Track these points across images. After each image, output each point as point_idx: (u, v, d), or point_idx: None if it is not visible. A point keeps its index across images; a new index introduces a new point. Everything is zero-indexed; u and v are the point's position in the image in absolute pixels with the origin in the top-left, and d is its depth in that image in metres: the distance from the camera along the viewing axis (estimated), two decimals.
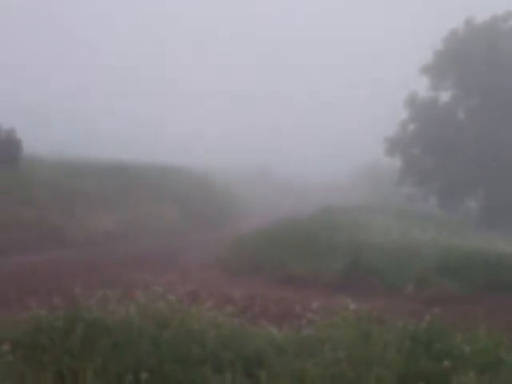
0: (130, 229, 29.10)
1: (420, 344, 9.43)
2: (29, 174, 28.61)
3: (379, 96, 63.47)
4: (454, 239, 23.01)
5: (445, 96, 38.98)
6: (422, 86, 38.38)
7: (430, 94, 38.57)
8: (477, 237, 24.61)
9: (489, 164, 36.00)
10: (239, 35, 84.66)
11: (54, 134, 53.98)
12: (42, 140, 38.23)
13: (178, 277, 18.27)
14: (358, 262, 20.06)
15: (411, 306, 14.62)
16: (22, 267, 19.35)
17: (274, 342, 9.67)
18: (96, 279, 16.19)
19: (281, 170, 62.25)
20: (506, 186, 36.26)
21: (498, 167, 35.98)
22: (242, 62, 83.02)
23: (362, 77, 75.52)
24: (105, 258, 21.88)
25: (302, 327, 10.16)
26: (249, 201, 43.90)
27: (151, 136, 64.99)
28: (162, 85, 78.06)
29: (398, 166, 39.33)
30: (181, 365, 8.83)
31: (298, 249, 21.51)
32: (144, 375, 8.13)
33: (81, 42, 79.86)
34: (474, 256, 20.28)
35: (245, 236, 24.27)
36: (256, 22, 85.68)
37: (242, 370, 8.87)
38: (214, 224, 35.25)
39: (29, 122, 37.46)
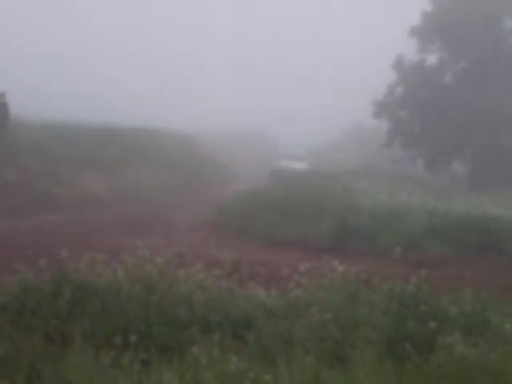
0: (119, 193, 29.05)
1: (407, 306, 9.47)
2: (15, 137, 28.42)
3: (368, 59, 63.23)
4: (442, 202, 23.05)
5: (432, 59, 38.91)
6: (411, 49, 38.25)
7: (418, 57, 38.48)
8: (464, 200, 24.65)
9: (476, 127, 36.04)
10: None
11: (40, 97, 53.66)
12: (28, 103, 37.95)
13: (165, 240, 18.27)
14: (346, 225, 20.08)
15: (399, 269, 14.65)
16: (8, 231, 19.29)
17: (261, 305, 9.70)
18: (83, 243, 16.17)
19: (270, 134, 62.16)
20: (493, 148, 36.35)
21: (484, 130, 36.04)
22: (243, 24, 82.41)
23: (350, 39, 75.18)
24: (92, 222, 21.84)
25: (290, 290, 10.18)
26: (238, 165, 43.86)
27: (139, 100, 64.67)
28: (147, 48, 77.57)
29: (386, 129, 39.31)
30: (169, 327, 8.85)
31: (287, 213, 21.53)
32: (132, 338, 8.15)
33: (69, 6, 79.16)
34: (462, 219, 20.33)
35: (233, 200, 24.28)
36: None
37: (230, 332, 8.90)
38: (203, 188, 35.23)
39: (15, 85, 37.11)
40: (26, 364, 7.57)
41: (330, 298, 9.81)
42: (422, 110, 37.60)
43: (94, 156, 30.33)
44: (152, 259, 10.47)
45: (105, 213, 24.32)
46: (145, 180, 31.80)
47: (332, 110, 62.78)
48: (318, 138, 56.83)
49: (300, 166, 38.47)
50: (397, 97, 38.88)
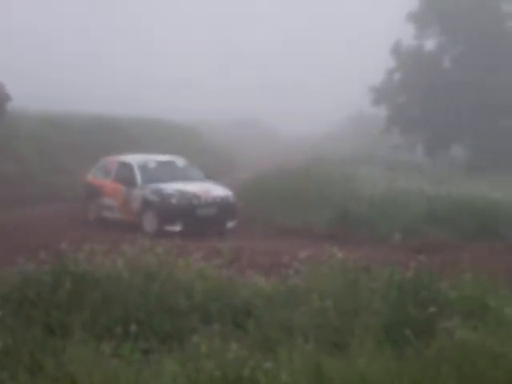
0: None
1: (406, 292, 9.48)
2: (14, 128, 28.39)
3: (366, 46, 63.08)
4: (441, 188, 23.03)
5: (431, 44, 38.78)
6: (409, 34, 38.11)
7: (416, 42, 38.38)
8: (464, 185, 24.63)
9: (475, 111, 35.98)
10: None
11: (40, 87, 53.52)
12: (27, 94, 37.81)
13: None
14: (346, 212, 20.12)
15: (399, 255, 14.64)
16: (8, 223, 19.34)
17: (261, 293, 9.72)
18: (85, 234, 16.21)
19: (268, 121, 62.05)
20: (492, 133, 36.31)
21: (483, 115, 35.99)
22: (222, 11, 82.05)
23: (347, 26, 74.92)
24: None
25: (290, 277, 10.20)
26: (237, 153, 43.77)
27: (137, 89, 64.50)
28: (141, 34, 77.23)
29: (384, 115, 39.22)
30: (169, 316, 8.88)
31: (287, 200, 21.56)
32: (133, 327, 8.18)
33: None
34: (462, 204, 20.34)
35: (233, 188, 24.28)
36: None
37: (230, 320, 8.93)
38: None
39: (15, 76, 37.01)
40: (26, 355, 7.60)
41: (329, 285, 9.82)
42: (421, 95, 37.50)
43: (94, 146, 30.26)
44: (152, 248, 10.49)
45: None
46: None
47: (331, 98, 62.64)
48: (317, 126, 56.72)
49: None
50: (395, 83, 38.78)
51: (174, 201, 19.00)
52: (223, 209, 19.43)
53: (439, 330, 8.17)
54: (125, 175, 20.25)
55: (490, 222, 19.46)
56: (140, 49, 75.43)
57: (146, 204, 19.23)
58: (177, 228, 18.59)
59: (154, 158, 21.13)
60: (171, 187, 19.47)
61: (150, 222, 18.96)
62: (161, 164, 20.91)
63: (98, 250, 10.28)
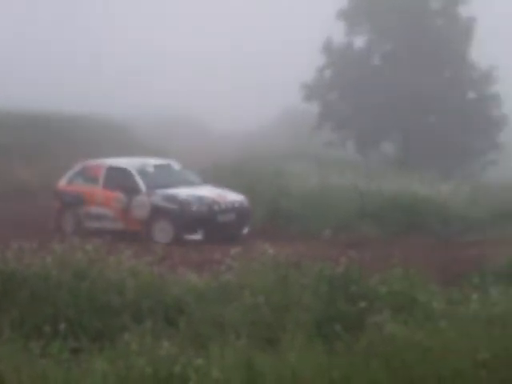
0: (49, 182, 28.58)
1: (337, 287, 9.56)
2: None
3: (298, 43, 63.38)
4: (373, 184, 23.29)
5: (361, 41, 39.18)
6: (340, 31, 38.42)
7: (346, 40, 38.76)
8: (394, 181, 24.93)
9: (404, 108, 36.49)
10: None
11: None
12: None
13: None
14: (277, 209, 20.23)
15: (330, 251, 14.81)
16: None
17: (193, 289, 9.72)
18: (10, 233, 15.92)
19: (201, 118, 61.91)
20: (421, 129, 36.91)
21: (413, 111, 36.52)
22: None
23: (278, 24, 75.16)
24: (21, 211, 21.51)
25: (222, 273, 10.21)
26: (168, 150, 43.51)
27: (71, 84, 63.58)
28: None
29: (316, 112, 39.47)
30: (100, 315, 8.81)
31: None
32: (62, 326, 8.08)
33: None
34: (392, 200, 20.63)
35: None
36: None
37: (162, 317, 8.90)
38: None
39: None
40: None
41: (261, 281, 9.85)
42: (351, 92, 37.89)
43: (23, 144, 29.80)
44: (82, 246, 10.38)
45: (34, 204, 23.83)
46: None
47: (265, 95, 62.76)
48: (249, 122, 56.78)
49: None
50: (326, 80, 39.08)
51: (194, 207, 18.01)
52: (240, 214, 18.62)
53: (369, 325, 8.25)
54: (121, 181, 18.82)
55: (419, 217, 19.82)
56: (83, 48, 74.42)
57: (158, 212, 18.10)
58: (198, 236, 17.71)
59: (149, 162, 19.85)
60: (184, 193, 18.53)
61: (163, 231, 17.92)
62: (158, 168, 19.65)
63: (26, 249, 10.13)
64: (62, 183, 19.93)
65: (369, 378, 7.07)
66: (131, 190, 18.58)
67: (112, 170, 19.35)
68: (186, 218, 17.82)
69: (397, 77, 36.31)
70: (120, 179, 18.91)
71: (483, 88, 37.99)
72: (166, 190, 18.57)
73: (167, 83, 66.66)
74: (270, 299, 9.19)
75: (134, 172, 18.91)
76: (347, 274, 9.82)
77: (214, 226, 17.94)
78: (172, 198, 18.22)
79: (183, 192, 18.50)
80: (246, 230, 18.65)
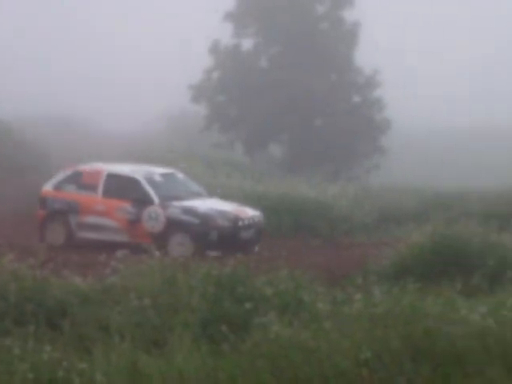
0: None
1: (224, 288, 9.58)
2: None
3: (187, 43, 63.23)
4: (260, 186, 23.47)
5: (248, 43, 39.42)
6: (228, 33, 38.57)
7: (234, 42, 38.92)
8: (282, 183, 25.18)
9: (291, 111, 36.88)
10: None
11: None
12: None
13: None
14: None
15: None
16: None
17: (77, 292, 9.56)
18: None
19: (87, 118, 61.02)
20: (307, 132, 37.42)
21: (299, 114, 36.96)
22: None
23: (169, 25, 74.84)
24: None
25: (107, 276, 10.09)
26: (50, 150, 42.63)
27: None
28: None
29: (204, 113, 39.51)
30: None
31: None
32: None
33: None
34: (278, 202, 20.80)
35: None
36: None
37: (45, 321, 8.73)
38: (22, 178, 34.06)
39: None
40: None
41: (148, 283, 9.79)
42: (239, 94, 38.08)
43: None
44: None
45: None
46: None
47: (151, 95, 62.35)
48: (138, 123, 56.31)
49: None
50: (214, 81, 39.16)
51: (219, 223, 16.89)
52: (258, 230, 17.52)
53: (255, 326, 8.30)
54: (126, 191, 17.43)
55: (306, 219, 20.07)
56: None
57: (176, 225, 16.94)
58: (218, 253, 15.95)
59: (154, 171, 18.40)
60: (204, 206, 17.39)
61: (181, 246, 16.70)
62: (164, 177, 18.24)
63: None
64: (48, 189, 18.17)
65: (254, 379, 7.13)
66: (140, 200, 17.22)
67: (113, 177, 17.84)
68: (210, 234, 16.69)
69: (284, 79, 36.66)
70: (125, 188, 17.53)
71: (367, 92, 38.81)
72: (181, 202, 17.39)
73: (51, 84, 65.47)
74: (156, 301, 9.14)
75: (142, 181, 17.48)
76: (234, 275, 9.86)
77: (236, 243, 16.59)
78: (192, 212, 17.03)
79: (202, 205, 17.39)
80: (257, 248, 17.48)
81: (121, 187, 17.51)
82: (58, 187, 18.04)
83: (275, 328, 8.00)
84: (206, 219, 16.85)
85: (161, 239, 16.45)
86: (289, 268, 10.47)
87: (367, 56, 37.53)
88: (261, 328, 8.16)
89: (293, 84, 36.43)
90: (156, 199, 17.12)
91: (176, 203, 17.17)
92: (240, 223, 16.99)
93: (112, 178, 17.74)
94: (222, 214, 17.08)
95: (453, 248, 12.23)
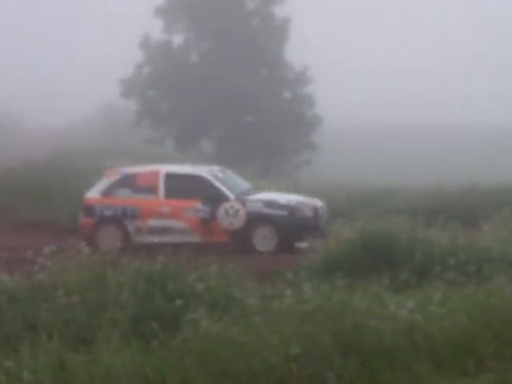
0: None
1: (154, 285, 9.53)
2: None
3: (115, 36, 62.65)
4: None
5: (179, 39, 39.32)
6: (158, 27, 38.44)
7: (164, 37, 38.77)
8: None
9: (222, 106, 36.92)
10: None
11: None
12: None
13: None
14: None
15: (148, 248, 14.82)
16: None
17: (4, 290, 9.40)
18: None
19: (16, 114, 60.04)
20: (238, 127, 37.51)
21: (230, 109, 37.02)
22: None
23: (98, 20, 74.13)
24: None
25: (35, 273, 9.94)
26: None
27: None
28: None
29: (135, 109, 39.29)
30: None
31: (32, 195, 21.08)
32: None
33: None
34: None
35: None
36: None
37: None
38: None
39: None
40: None
41: (76, 280, 9.68)
42: (170, 89, 37.95)
43: None
44: None
45: None
46: None
47: (84, 92, 61.64)
48: (68, 119, 55.61)
49: None
50: (144, 76, 38.95)
51: (306, 213, 16.65)
52: (326, 220, 17.16)
53: (185, 322, 8.28)
54: (193, 189, 16.87)
55: None
56: None
57: (259, 219, 16.54)
58: (305, 244, 15.49)
59: (211, 167, 18.09)
60: (282, 198, 17.13)
61: (266, 239, 16.45)
62: (223, 173, 17.75)
63: None
64: (95, 196, 17.46)
65: (183, 375, 7.12)
66: (213, 197, 16.76)
67: (174, 177, 17.26)
68: (298, 225, 16.34)
69: (215, 75, 36.68)
70: (191, 187, 16.98)
71: (297, 88, 39.05)
72: (253, 196, 17.12)
73: None
74: (85, 298, 9.06)
75: (210, 178, 17.08)
76: (165, 272, 9.81)
77: (317, 232, 16.02)
78: (276, 204, 16.74)
79: (279, 197, 17.18)
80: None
81: (185, 186, 17.01)
82: (106, 193, 17.38)
83: (205, 324, 8.00)
84: (293, 211, 16.59)
85: (240, 235, 16.36)
86: (219, 264, 10.45)
87: (298, 52, 37.77)
88: (191, 324, 8.14)
89: (224, 79, 36.48)
90: (231, 195, 16.79)
91: (251, 198, 16.95)
92: (319, 213, 16.88)
93: (173, 178, 17.20)
94: (305, 204, 16.91)
95: (381, 244, 12.33)
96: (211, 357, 7.35)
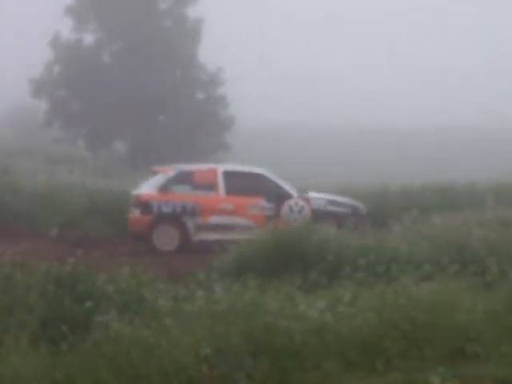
0: None
1: (64, 287, 9.40)
2: None
3: (25, 35, 61.61)
4: (102, 182, 23.25)
5: (90, 38, 38.98)
6: (69, 27, 37.98)
7: (75, 36, 38.38)
8: (125, 179, 25.01)
9: (134, 107, 36.76)
10: None
11: None
12: None
13: None
14: (3, 207, 19.62)
15: (57, 249, 14.59)
16: None
17: None
18: None
19: None
20: (150, 128, 37.41)
21: (142, 110, 36.90)
22: None
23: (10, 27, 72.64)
24: None
25: None
26: None
27: None
28: None
29: (45, 108, 38.75)
30: None
31: None
32: None
33: None
34: (122, 198, 20.63)
35: None
36: None
37: None
38: None
39: None
40: None
41: None
42: (81, 89, 37.58)
43: None
44: None
45: None
46: None
47: None
48: None
49: None
50: (55, 76, 38.44)
51: (363, 211, 17.55)
52: None
53: (96, 324, 8.20)
54: (255, 186, 17.18)
55: None
56: None
57: (323, 217, 16.42)
58: None
59: (263, 168, 18.19)
60: (338, 197, 17.90)
61: None
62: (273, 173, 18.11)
63: None
64: (151, 192, 17.31)
65: (93, 378, 7.06)
66: (277, 195, 17.08)
67: (233, 174, 17.49)
68: (358, 222, 16.34)
69: (127, 76, 36.51)
70: (252, 184, 17.25)
71: (211, 89, 39.15)
72: (315, 194, 17.66)
73: None
74: None
75: (271, 176, 17.58)
76: (74, 273, 9.68)
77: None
78: (337, 203, 17.45)
79: (336, 196, 17.98)
80: None
81: (246, 184, 17.26)
82: (164, 189, 17.27)
83: (116, 326, 7.93)
84: (355, 209, 17.41)
85: None
86: (131, 265, 10.38)
87: (213, 54, 37.85)
88: (101, 327, 8.06)
89: (136, 80, 36.34)
90: (294, 192, 17.31)
91: (315, 196, 17.55)
92: (364, 211, 17.63)
93: (232, 175, 17.45)
94: (357, 203, 17.82)
95: (293, 244, 12.42)
96: (122, 359, 7.31)
